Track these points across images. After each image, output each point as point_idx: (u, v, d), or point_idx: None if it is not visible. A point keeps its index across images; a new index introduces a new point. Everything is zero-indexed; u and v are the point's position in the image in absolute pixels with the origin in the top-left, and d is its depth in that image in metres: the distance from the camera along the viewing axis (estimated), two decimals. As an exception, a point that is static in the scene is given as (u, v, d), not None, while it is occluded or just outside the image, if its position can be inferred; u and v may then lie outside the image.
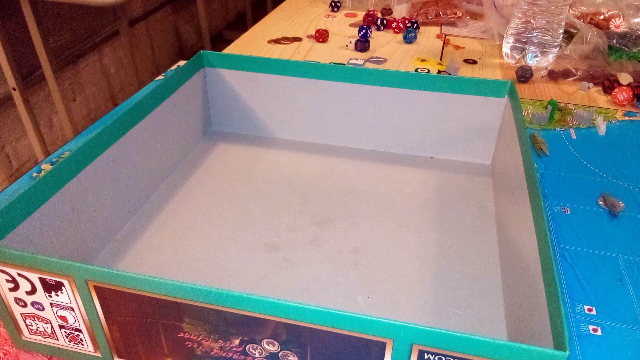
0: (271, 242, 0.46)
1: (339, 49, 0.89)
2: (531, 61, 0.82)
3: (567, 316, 0.40)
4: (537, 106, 0.71)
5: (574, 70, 0.79)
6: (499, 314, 0.40)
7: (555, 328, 0.27)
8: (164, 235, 0.47)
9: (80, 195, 0.41)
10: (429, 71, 0.80)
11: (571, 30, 0.85)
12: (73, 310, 0.32)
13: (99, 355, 0.35)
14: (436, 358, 0.27)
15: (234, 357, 0.31)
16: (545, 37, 0.80)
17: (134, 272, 0.29)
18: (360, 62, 0.83)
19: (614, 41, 0.84)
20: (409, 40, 0.92)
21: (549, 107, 0.68)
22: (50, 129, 1.68)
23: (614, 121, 0.68)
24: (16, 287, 0.33)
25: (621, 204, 0.52)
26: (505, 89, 0.53)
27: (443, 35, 0.97)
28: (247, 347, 0.31)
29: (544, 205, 0.49)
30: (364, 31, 0.90)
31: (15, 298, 0.33)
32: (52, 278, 0.31)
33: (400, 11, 1.05)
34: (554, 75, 0.80)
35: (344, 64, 0.81)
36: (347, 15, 1.07)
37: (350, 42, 0.88)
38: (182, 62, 0.70)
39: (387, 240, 0.46)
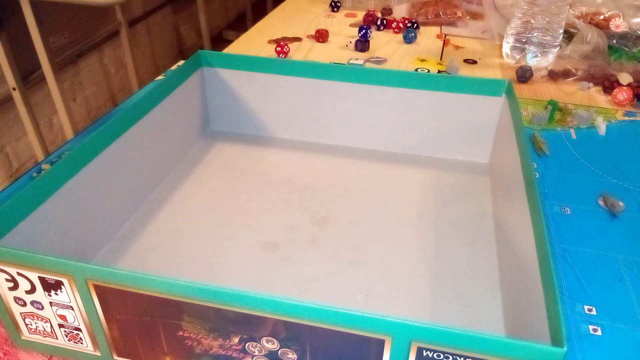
0: (270, 241, 0.46)
1: (339, 49, 0.89)
2: (531, 61, 0.82)
3: (565, 313, 0.40)
4: (537, 106, 0.71)
5: (574, 70, 0.79)
6: (496, 311, 0.40)
7: (552, 325, 0.27)
8: (162, 234, 0.47)
9: (79, 195, 0.41)
10: (429, 71, 0.80)
11: (571, 30, 0.85)
12: (72, 309, 0.32)
13: (98, 354, 0.35)
14: (434, 355, 0.27)
15: (233, 355, 0.31)
16: (545, 37, 0.80)
17: (134, 271, 0.29)
18: (360, 62, 0.83)
19: (614, 41, 0.84)
20: (409, 40, 0.92)
21: (549, 107, 0.68)
22: (50, 129, 1.68)
23: (614, 121, 0.68)
24: (15, 287, 0.33)
25: (621, 204, 0.52)
26: (503, 88, 0.53)
27: (443, 35, 0.97)
28: (247, 345, 0.31)
29: (542, 204, 0.49)
30: (364, 31, 0.90)
31: (14, 297, 0.33)
32: (51, 277, 0.31)
33: (400, 11, 1.05)
34: (554, 75, 0.80)
35: (344, 64, 0.81)
36: (347, 15, 1.07)
37: (350, 42, 0.88)
38: (182, 62, 0.70)
39: (385, 239, 0.47)
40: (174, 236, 0.46)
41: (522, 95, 0.75)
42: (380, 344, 0.28)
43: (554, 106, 0.68)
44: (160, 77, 0.70)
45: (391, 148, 0.60)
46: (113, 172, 0.45)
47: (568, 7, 0.80)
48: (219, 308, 0.29)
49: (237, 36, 0.95)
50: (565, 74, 0.79)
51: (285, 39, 0.93)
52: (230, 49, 0.88)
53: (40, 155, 1.51)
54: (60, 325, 0.34)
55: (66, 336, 0.34)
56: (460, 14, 1.02)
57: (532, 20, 0.79)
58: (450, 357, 0.27)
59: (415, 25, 0.96)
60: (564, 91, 0.77)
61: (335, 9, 1.09)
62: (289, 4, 1.13)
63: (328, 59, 0.84)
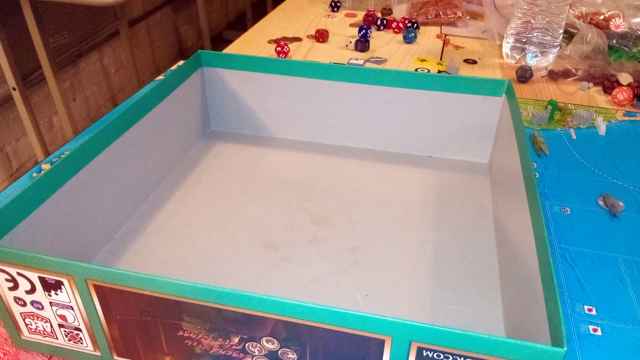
0: (270, 241, 0.46)
1: (339, 49, 0.89)
2: (531, 61, 0.82)
3: (565, 313, 0.40)
4: (537, 106, 0.71)
5: (574, 70, 0.79)
6: (497, 311, 0.40)
7: (552, 325, 0.27)
8: (162, 234, 0.47)
9: (79, 195, 0.41)
10: (429, 71, 0.80)
11: (571, 30, 0.85)
12: (72, 309, 0.32)
13: (98, 354, 0.35)
14: (434, 355, 0.27)
15: (233, 355, 0.31)
16: (545, 37, 0.80)
17: (134, 271, 0.29)
18: (360, 62, 0.83)
19: (614, 41, 0.84)
20: (409, 40, 0.92)
21: (549, 107, 0.68)
22: (50, 129, 1.68)
23: (614, 121, 0.68)
24: (16, 287, 0.33)
25: (621, 204, 0.52)
26: (503, 88, 0.53)
27: (443, 35, 0.97)
28: (247, 345, 0.31)
29: (542, 204, 0.49)
30: (364, 31, 0.90)
31: (14, 297, 0.33)
32: (51, 277, 0.31)
33: (400, 11, 1.05)
34: (554, 75, 0.80)
35: (344, 64, 0.81)
36: (347, 15, 1.07)
37: (350, 42, 0.88)
38: (182, 62, 0.70)
39: (385, 239, 0.47)
40: (174, 236, 0.46)
41: (522, 95, 0.75)
42: (381, 344, 0.28)
43: (554, 106, 0.68)
44: (160, 77, 0.69)
45: (391, 148, 0.60)
46: (113, 172, 0.45)
47: (568, 7, 0.80)
48: (219, 308, 0.29)
49: (237, 36, 0.95)
50: (565, 74, 0.80)
51: (285, 39, 0.93)
52: (230, 49, 0.88)
53: (40, 156, 1.51)
54: (60, 325, 0.34)
55: (66, 336, 0.34)
56: (460, 14, 1.02)
57: (532, 20, 0.79)
58: (450, 357, 0.27)
59: (415, 25, 0.96)
60: (564, 91, 0.77)
61: (335, 9, 1.09)
62: (289, 4, 1.13)
63: (328, 59, 0.84)
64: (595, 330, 0.39)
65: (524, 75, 0.78)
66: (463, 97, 0.55)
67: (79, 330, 0.34)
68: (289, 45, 0.87)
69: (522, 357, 0.26)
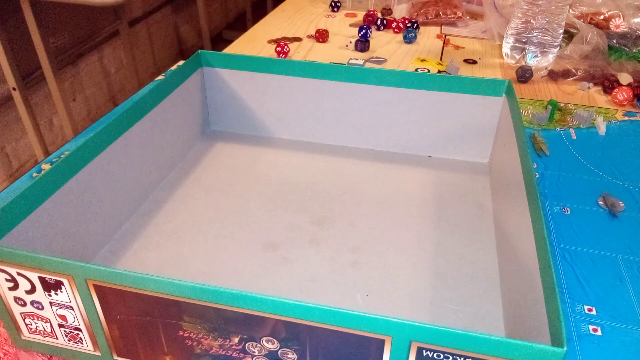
0: (270, 241, 0.46)
1: (339, 49, 0.89)
2: (531, 61, 0.82)
3: (566, 313, 0.40)
4: (537, 106, 0.71)
5: (574, 70, 0.79)
6: (497, 311, 0.40)
7: (553, 325, 0.27)
8: (162, 234, 0.47)
9: (79, 195, 0.41)
10: (429, 71, 0.80)
11: (571, 30, 0.85)
12: (72, 309, 0.32)
13: (98, 354, 0.35)
14: (434, 355, 0.27)
15: (233, 355, 0.31)
16: (545, 37, 0.80)
17: (134, 271, 0.29)
18: (360, 62, 0.83)
19: (614, 41, 0.84)
20: (409, 40, 0.92)
21: (549, 107, 0.68)
22: (50, 129, 1.68)
23: (614, 121, 0.68)
24: (15, 287, 0.33)
25: (621, 204, 0.52)
26: (503, 88, 0.53)
27: (443, 35, 0.97)
28: (247, 345, 0.31)
29: (542, 204, 0.49)
30: (364, 31, 0.90)
31: (14, 297, 0.33)
32: (51, 277, 0.31)
33: (400, 11, 1.05)
34: (554, 75, 0.80)
35: (344, 64, 0.81)
36: (347, 15, 1.07)
37: (350, 42, 0.88)
38: (182, 62, 0.70)
39: (385, 239, 0.47)
40: (174, 236, 0.46)
41: (522, 95, 0.75)
42: (381, 344, 0.28)
43: (554, 106, 0.68)
44: (160, 77, 0.69)
45: (391, 148, 0.60)
46: (113, 172, 0.45)
47: (568, 7, 0.80)
48: (219, 308, 0.29)
49: (237, 36, 0.95)
50: (565, 74, 0.79)
51: (285, 39, 0.93)
52: (230, 49, 0.89)
53: (40, 156, 1.51)
54: (60, 325, 0.34)
55: (66, 336, 0.34)
56: (460, 14, 1.02)
57: (532, 20, 0.79)
58: (450, 357, 0.27)
59: (415, 25, 0.96)
60: (564, 91, 0.77)
61: (335, 9, 1.09)
62: (289, 4, 1.13)
63: (328, 59, 0.84)
64: (595, 330, 0.39)
65: (524, 75, 0.78)
66: (463, 97, 0.55)
67: (79, 330, 0.34)
68: (289, 45, 0.87)
69: (522, 357, 0.26)
